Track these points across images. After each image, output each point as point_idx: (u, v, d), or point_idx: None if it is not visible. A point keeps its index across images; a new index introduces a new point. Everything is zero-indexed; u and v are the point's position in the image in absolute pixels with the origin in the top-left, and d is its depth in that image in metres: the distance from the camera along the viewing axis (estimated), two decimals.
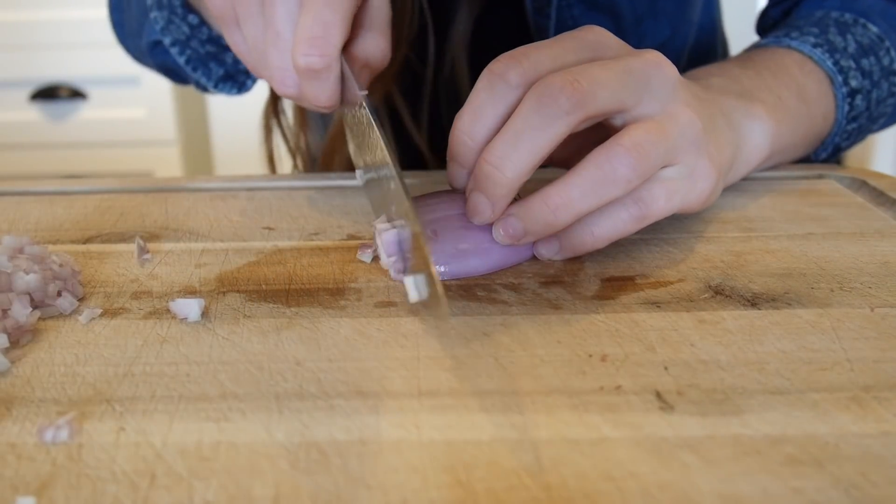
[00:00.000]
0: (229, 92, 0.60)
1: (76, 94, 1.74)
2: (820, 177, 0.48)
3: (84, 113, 1.76)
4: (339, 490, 0.22)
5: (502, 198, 0.33)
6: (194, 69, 0.57)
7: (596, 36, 0.35)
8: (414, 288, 0.29)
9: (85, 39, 1.70)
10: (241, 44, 0.39)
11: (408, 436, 0.24)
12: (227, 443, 0.24)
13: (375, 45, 0.38)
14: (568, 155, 0.37)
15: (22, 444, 0.24)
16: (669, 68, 0.34)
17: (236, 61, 0.57)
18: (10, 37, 1.70)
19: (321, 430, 0.25)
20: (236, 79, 0.59)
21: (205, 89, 0.61)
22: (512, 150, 0.32)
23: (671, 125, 0.33)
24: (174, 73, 0.63)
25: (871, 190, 0.45)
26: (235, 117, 1.91)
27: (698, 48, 0.64)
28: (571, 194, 0.32)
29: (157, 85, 1.73)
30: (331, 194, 0.46)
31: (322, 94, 0.36)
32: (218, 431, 0.25)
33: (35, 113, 1.76)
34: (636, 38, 0.58)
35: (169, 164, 1.79)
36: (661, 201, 0.34)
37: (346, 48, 0.36)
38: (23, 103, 1.75)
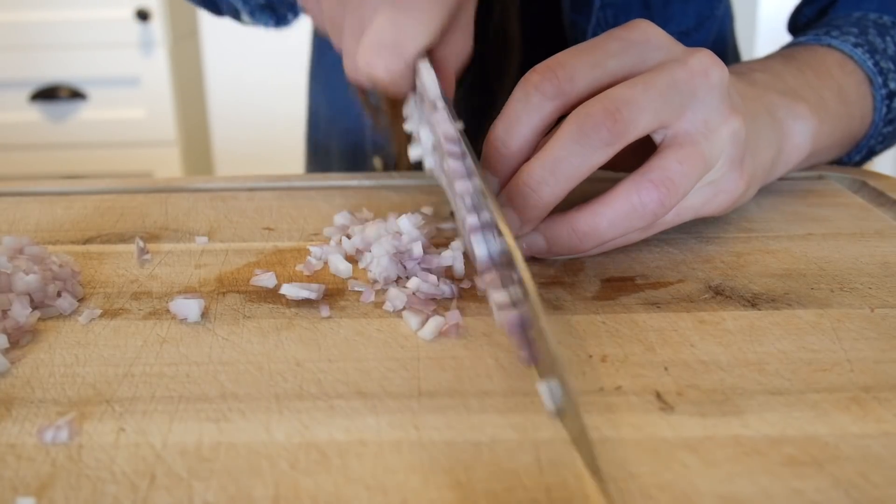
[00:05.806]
0: (266, 23, 0.53)
1: (76, 95, 1.74)
2: (820, 177, 0.48)
3: (84, 113, 1.76)
4: (338, 490, 0.22)
5: (534, 218, 0.33)
6: None
7: (642, 34, 0.34)
8: (549, 396, 0.24)
9: (85, 39, 1.70)
10: (317, 13, 0.35)
11: (408, 436, 0.24)
12: (226, 443, 0.24)
13: (461, 47, 0.35)
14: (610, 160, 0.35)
15: (22, 445, 0.24)
16: (718, 74, 0.33)
17: None
18: (10, 37, 1.70)
19: (321, 430, 0.25)
20: (277, 10, 0.52)
21: (238, 17, 0.54)
22: (550, 175, 0.32)
23: (710, 145, 0.33)
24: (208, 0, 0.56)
25: (871, 190, 0.45)
26: (235, 117, 1.91)
27: None
28: (599, 225, 0.32)
29: (157, 85, 1.74)
30: (331, 194, 0.46)
31: (391, 90, 0.33)
32: (218, 432, 0.25)
33: (35, 113, 1.76)
34: (661, 20, 0.57)
35: (169, 165, 1.79)
36: (670, 216, 0.34)
37: (429, 51, 0.34)
38: (23, 103, 1.75)
